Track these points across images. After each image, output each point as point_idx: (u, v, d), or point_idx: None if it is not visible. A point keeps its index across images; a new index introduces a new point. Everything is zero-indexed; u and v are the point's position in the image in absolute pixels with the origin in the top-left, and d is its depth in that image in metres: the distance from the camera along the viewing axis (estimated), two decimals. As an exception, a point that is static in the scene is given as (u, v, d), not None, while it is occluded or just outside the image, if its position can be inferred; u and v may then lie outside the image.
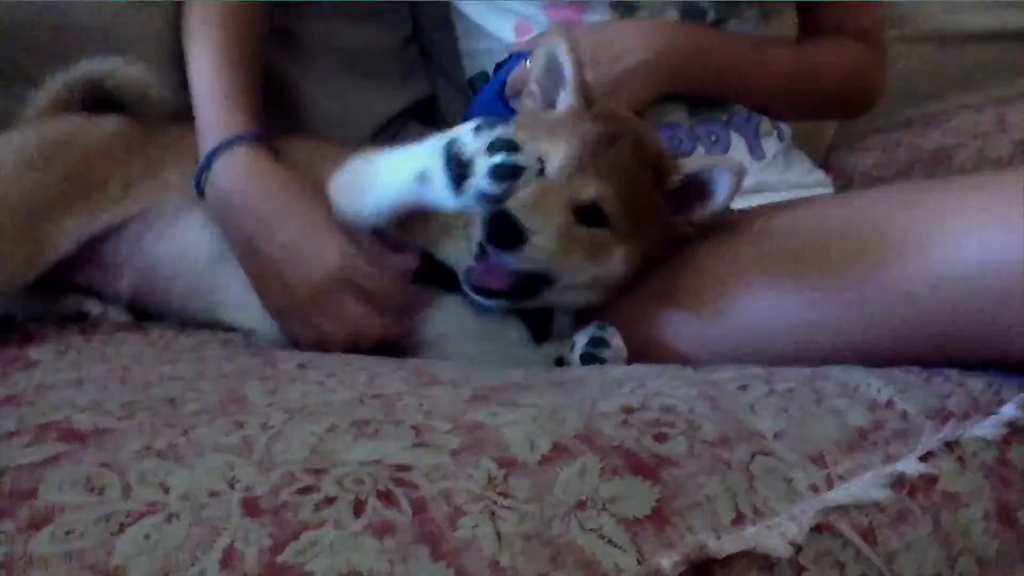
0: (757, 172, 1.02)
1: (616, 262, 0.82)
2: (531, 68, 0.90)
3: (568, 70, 0.86)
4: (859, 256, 0.75)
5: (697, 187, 0.84)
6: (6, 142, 0.90)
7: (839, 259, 0.77)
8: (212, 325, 0.89)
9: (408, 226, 0.81)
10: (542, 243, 0.75)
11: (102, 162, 0.89)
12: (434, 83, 1.29)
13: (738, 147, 1.04)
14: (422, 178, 0.71)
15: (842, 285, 0.75)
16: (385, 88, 1.23)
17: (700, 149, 1.02)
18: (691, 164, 0.85)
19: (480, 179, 0.66)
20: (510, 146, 0.66)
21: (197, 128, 0.89)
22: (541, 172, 0.69)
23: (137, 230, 0.89)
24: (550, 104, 0.88)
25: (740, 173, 0.83)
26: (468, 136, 0.67)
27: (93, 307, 0.88)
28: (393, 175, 0.75)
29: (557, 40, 0.87)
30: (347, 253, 0.82)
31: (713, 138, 1.03)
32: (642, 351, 0.80)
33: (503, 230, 0.74)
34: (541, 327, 0.85)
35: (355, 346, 0.82)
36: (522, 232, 0.74)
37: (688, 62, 0.98)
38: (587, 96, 0.86)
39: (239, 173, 0.86)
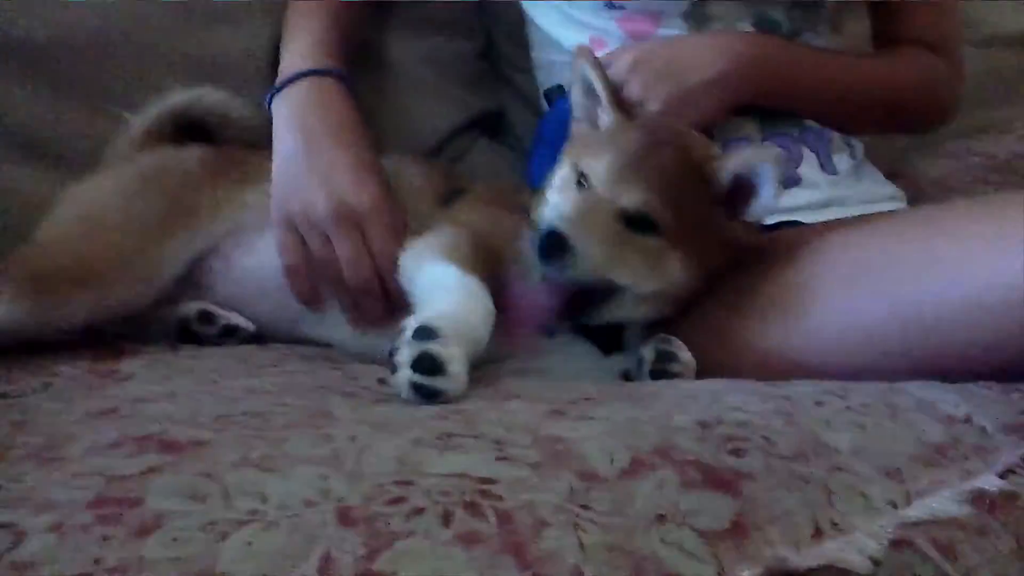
0: (828, 188, 1.02)
1: (675, 269, 0.83)
2: (571, 91, 0.92)
3: (599, 86, 0.88)
4: (930, 266, 0.76)
5: (745, 188, 0.84)
6: (110, 177, 0.96)
7: (910, 271, 0.77)
8: (297, 340, 0.93)
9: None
10: (589, 251, 0.78)
11: (193, 188, 0.94)
12: (502, 96, 1.31)
13: (810, 162, 1.03)
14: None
15: (913, 296, 0.76)
16: (452, 100, 1.24)
17: (768, 164, 1.02)
18: (732, 161, 0.84)
19: (402, 383, 0.67)
20: (434, 368, 0.67)
21: (283, 62, 0.97)
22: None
23: (226, 249, 0.94)
24: (593, 124, 0.91)
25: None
26: (402, 344, 0.68)
27: (242, 321, 0.90)
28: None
29: (582, 61, 0.89)
30: (381, 199, 0.87)
31: (784, 153, 1.01)
32: (714, 365, 0.81)
33: (551, 245, 0.77)
34: (613, 340, 0.87)
35: (340, 280, 0.87)
36: (566, 241, 0.76)
37: (761, 74, 0.97)
38: (626, 109, 0.88)
39: (313, 96, 0.94)
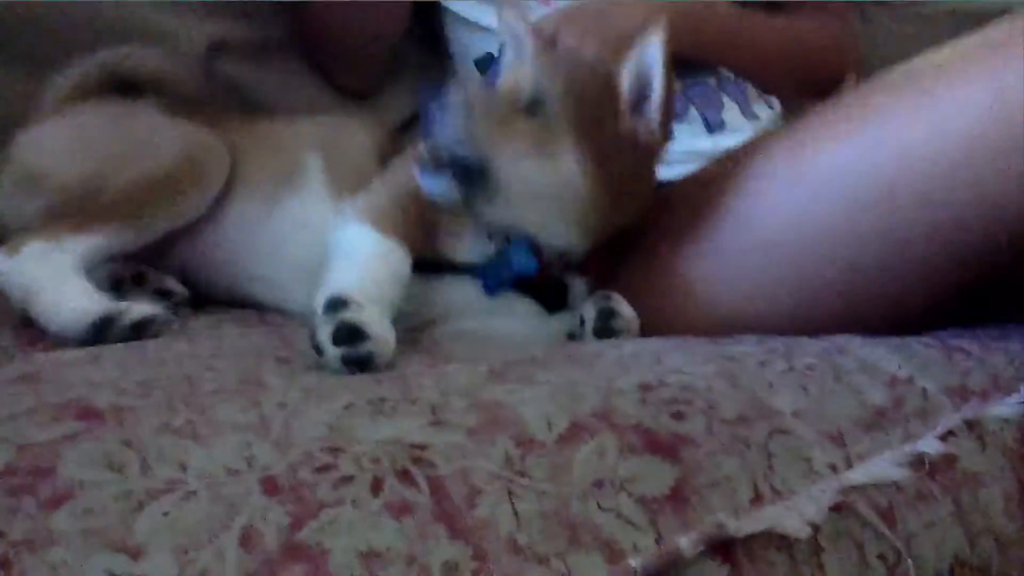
0: (752, 132, 1.04)
1: (568, 162, 0.79)
2: (503, 53, 0.92)
3: (525, 37, 0.86)
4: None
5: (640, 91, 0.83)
6: (87, 120, 0.92)
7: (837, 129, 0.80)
8: (247, 303, 0.91)
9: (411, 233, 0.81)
10: (473, 121, 0.77)
11: (165, 127, 0.91)
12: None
13: (731, 108, 1.05)
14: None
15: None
16: (407, 88, 1.25)
17: (693, 110, 1.04)
18: (628, 62, 0.82)
19: (332, 361, 0.66)
20: (354, 335, 0.66)
21: None
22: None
23: None
24: None
25: (660, 44, 0.81)
26: (317, 322, 0.67)
27: (175, 286, 0.89)
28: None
29: (511, 16, 0.89)
30: None
31: (705, 99, 1.05)
32: (661, 315, 0.81)
33: (440, 108, 0.76)
34: (557, 298, 0.85)
35: None
36: (449, 104, 0.76)
37: (684, 24, 0.99)
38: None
39: None
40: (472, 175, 0.78)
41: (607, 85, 0.82)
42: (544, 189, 0.80)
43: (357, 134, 0.96)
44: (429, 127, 0.77)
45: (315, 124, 0.98)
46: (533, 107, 0.79)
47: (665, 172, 0.91)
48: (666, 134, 0.85)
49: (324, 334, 0.66)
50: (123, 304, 0.77)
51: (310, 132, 0.95)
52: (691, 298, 0.85)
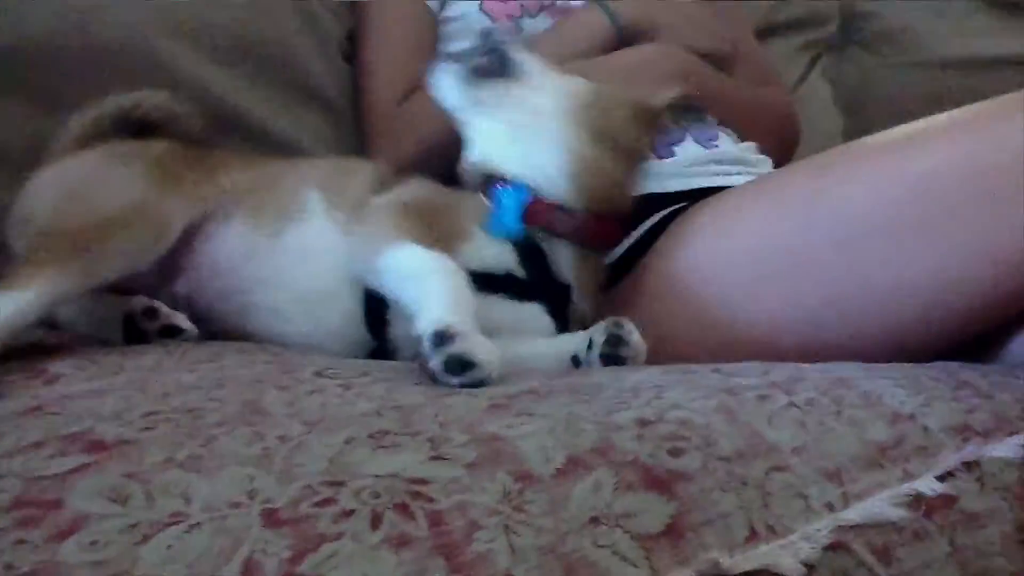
0: (745, 150, 1.21)
1: (578, 103, 0.95)
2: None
3: (524, 60, 0.98)
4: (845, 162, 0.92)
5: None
6: (81, 159, 0.98)
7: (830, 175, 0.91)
8: (246, 335, 0.94)
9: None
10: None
11: (172, 165, 0.97)
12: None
13: (725, 139, 1.21)
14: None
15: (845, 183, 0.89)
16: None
17: (689, 137, 1.17)
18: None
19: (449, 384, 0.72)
20: (465, 365, 0.72)
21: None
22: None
23: (191, 233, 0.95)
24: None
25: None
26: (428, 354, 0.73)
27: (183, 322, 0.92)
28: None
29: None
30: None
31: (701, 131, 1.20)
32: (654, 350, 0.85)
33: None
34: (560, 304, 0.91)
35: None
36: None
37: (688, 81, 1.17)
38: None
39: None
40: (504, 64, 0.94)
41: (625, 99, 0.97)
42: (552, 110, 0.94)
43: (357, 171, 1.02)
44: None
45: (314, 164, 1.05)
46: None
47: (666, 183, 1.04)
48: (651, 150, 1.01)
49: (437, 366, 0.72)
50: None
51: (309, 171, 1.01)
52: (696, 318, 0.90)
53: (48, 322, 0.93)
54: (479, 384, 0.72)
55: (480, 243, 0.90)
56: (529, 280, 0.89)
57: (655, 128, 1.00)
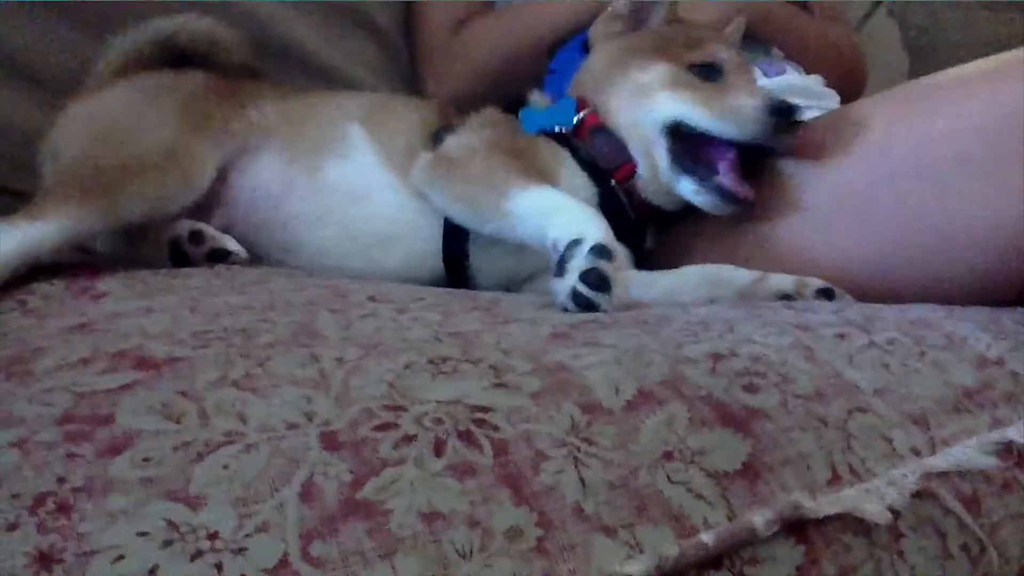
0: (813, 83, 1.18)
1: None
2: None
3: None
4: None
5: None
6: (113, 92, 0.96)
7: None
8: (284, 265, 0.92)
9: None
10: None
11: (204, 101, 0.95)
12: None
13: (792, 72, 1.17)
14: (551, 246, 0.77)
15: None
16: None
17: (756, 69, 1.12)
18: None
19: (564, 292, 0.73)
20: (602, 283, 0.72)
21: None
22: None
23: (226, 168, 0.93)
24: (639, 26, 0.97)
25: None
26: (577, 255, 0.73)
27: (231, 243, 0.89)
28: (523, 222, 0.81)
29: None
30: None
31: (768, 64, 1.17)
32: None
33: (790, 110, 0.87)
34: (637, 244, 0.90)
35: None
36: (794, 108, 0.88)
37: (755, 17, 1.15)
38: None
39: None
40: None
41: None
42: None
43: (402, 108, 0.99)
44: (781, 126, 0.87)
45: (358, 97, 1.02)
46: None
47: None
48: None
49: (576, 265, 0.72)
50: None
51: (351, 105, 0.98)
52: (766, 251, 0.88)
53: (85, 249, 0.91)
54: (590, 308, 0.71)
55: (567, 184, 0.88)
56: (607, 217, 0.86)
57: None
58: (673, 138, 0.89)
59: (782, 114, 0.85)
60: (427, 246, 0.90)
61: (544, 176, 0.87)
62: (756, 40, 1.16)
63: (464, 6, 1.22)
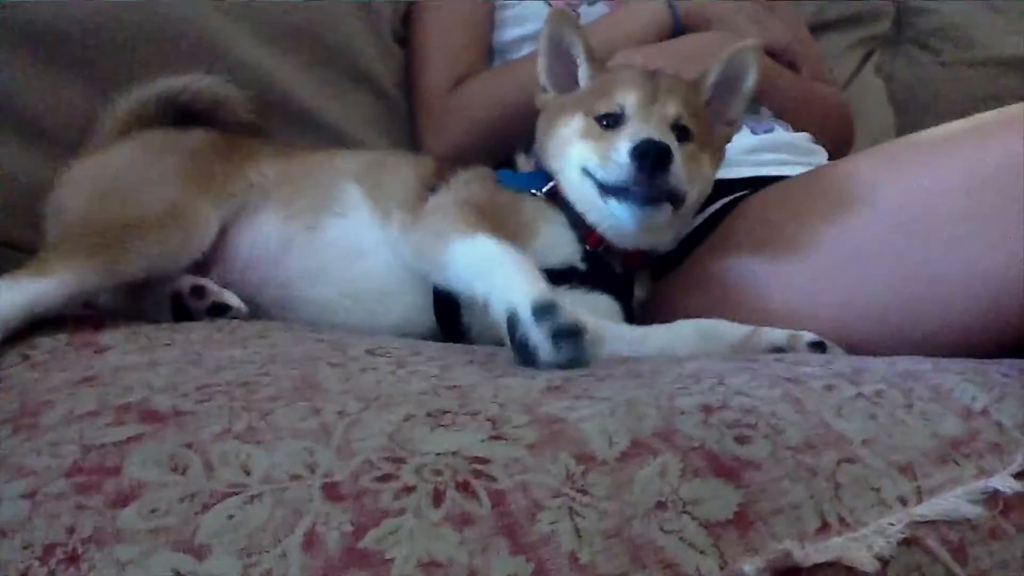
0: (801, 140, 1.21)
1: (707, 170, 0.95)
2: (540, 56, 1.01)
3: (578, 43, 0.98)
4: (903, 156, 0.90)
5: (728, 85, 0.99)
6: (118, 150, 0.98)
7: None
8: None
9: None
10: (678, 160, 0.87)
11: (205, 160, 0.97)
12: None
13: (779, 129, 1.20)
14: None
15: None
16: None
17: (745, 127, 1.15)
18: (715, 64, 0.99)
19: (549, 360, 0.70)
20: (575, 332, 0.70)
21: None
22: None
23: (226, 226, 0.95)
24: (561, 88, 1.00)
25: (756, 48, 0.99)
26: (525, 329, 0.71)
27: (231, 299, 0.90)
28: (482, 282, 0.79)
29: (558, 23, 0.98)
30: None
31: (755, 121, 1.19)
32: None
33: (659, 155, 0.85)
34: (626, 287, 0.93)
35: None
36: (670, 152, 0.86)
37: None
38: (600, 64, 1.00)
39: None
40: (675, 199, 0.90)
41: (699, 95, 0.98)
42: (695, 199, 0.95)
43: (399, 165, 1.00)
44: (645, 168, 0.86)
45: (355, 156, 1.03)
46: (680, 134, 0.92)
47: (723, 171, 1.02)
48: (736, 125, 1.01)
49: (541, 340, 0.70)
50: None
51: (348, 163, 1.00)
52: (757, 308, 0.89)
53: (89, 304, 0.92)
54: (582, 360, 0.70)
55: (548, 240, 0.90)
56: (591, 273, 0.88)
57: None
58: (593, 178, 0.90)
59: (645, 157, 0.85)
60: (424, 302, 0.91)
61: (522, 231, 0.88)
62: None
63: (462, 63, 1.25)
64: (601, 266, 0.91)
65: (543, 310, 0.70)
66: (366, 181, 0.97)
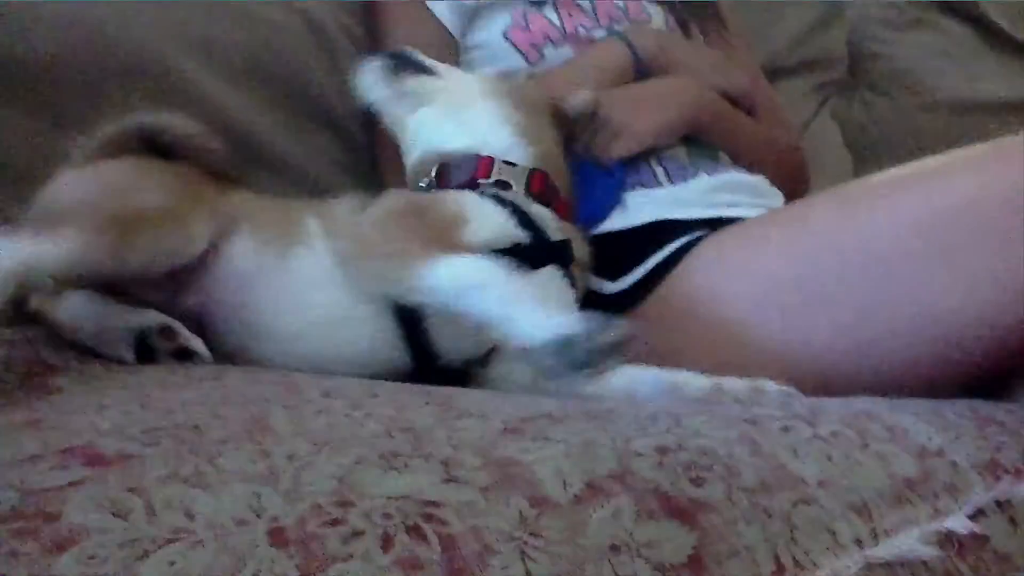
0: (759, 182, 1.22)
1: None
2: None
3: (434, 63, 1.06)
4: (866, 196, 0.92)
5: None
6: (109, 166, 0.97)
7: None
8: (260, 360, 0.92)
9: None
10: None
11: (194, 182, 0.96)
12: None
13: (736, 174, 1.21)
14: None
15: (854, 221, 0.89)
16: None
17: (702, 173, 1.17)
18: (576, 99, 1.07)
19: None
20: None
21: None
22: None
23: (215, 241, 0.94)
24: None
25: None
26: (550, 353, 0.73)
27: (199, 346, 0.88)
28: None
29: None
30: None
31: (712, 169, 1.20)
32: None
33: None
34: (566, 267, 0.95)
35: None
36: None
37: (703, 118, 1.21)
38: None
39: None
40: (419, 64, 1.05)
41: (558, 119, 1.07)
42: (479, 91, 1.04)
43: (341, 200, 1.00)
44: None
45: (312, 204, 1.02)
46: None
47: (680, 211, 1.07)
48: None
49: (568, 368, 0.73)
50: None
51: (308, 205, 0.99)
52: (713, 347, 0.91)
53: (51, 328, 0.89)
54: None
55: (478, 222, 0.90)
56: (533, 243, 0.89)
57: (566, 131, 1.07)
58: None
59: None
60: (387, 332, 0.90)
61: (449, 227, 0.88)
62: (703, 145, 1.21)
63: None
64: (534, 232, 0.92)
65: (568, 343, 0.72)
66: (321, 214, 0.96)
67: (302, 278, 0.93)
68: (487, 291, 0.79)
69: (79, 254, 0.82)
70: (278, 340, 0.92)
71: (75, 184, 0.94)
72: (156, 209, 0.90)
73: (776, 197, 1.22)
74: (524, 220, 0.92)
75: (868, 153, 1.82)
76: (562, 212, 0.97)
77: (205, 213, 0.94)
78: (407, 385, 0.84)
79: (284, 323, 0.92)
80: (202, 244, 0.92)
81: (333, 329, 0.92)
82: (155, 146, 1.03)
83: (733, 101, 1.26)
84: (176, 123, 1.04)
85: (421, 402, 0.71)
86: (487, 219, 0.91)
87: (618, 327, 0.73)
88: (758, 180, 1.22)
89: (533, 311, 0.76)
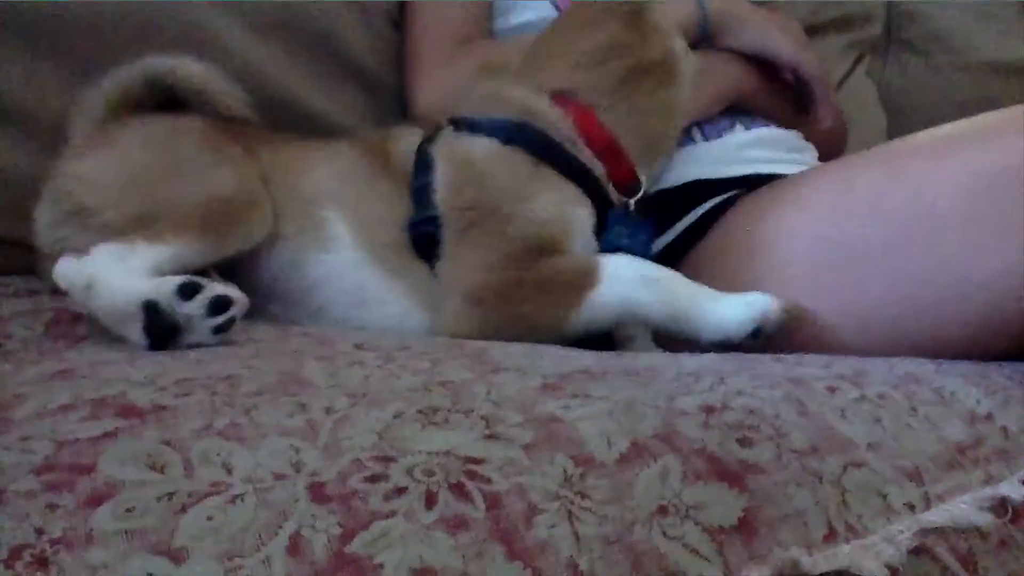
0: (793, 136, 1.18)
1: None
2: None
3: None
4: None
5: None
6: (130, 149, 0.92)
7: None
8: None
9: None
10: None
11: (225, 142, 0.92)
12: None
13: (772, 129, 1.17)
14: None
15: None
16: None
17: (738, 125, 1.13)
18: None
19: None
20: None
21: None
22: None
23: None
24: None
25: None
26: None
27: (234, 291, 0.78)
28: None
29: None
30: None
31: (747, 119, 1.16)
32: None
33: None
34: None
35: None
36: None
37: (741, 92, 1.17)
38: None
39: None
40: None
41: None
42: None
43: (379, 183, 0.94)
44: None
45: (337, 176, 0.95)
46: None
47: (716, 168, 1.04)
48: None
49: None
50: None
51: (330, 185, 0.94)
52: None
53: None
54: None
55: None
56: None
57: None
58: None
59: None
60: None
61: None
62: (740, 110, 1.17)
63: (470, 24, 1.21)
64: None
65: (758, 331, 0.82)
66: (347, 207, 0.91)
67: (322, 283, 0.90)
68: (654, 305, 0.83)
69: (187, 258, 0.81)
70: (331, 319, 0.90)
71: (98, 181, 0.88)
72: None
73: (811, 152, 1.18)
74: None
75: (903, 113, 1.78)
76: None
77: (264, 190, 0.90)
78: (438, 338, 0.82)
79: (305, 321, 0.89)
80: (271, 223, 0.89)
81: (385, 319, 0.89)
82: (161, 95, 0.98)
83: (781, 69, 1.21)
84: (183, 65, 0.99)
85: (455, 355, 0.69)
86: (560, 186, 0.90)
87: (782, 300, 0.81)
88: (792, 134, 1.19)
89: (714, 306, 0.82)
